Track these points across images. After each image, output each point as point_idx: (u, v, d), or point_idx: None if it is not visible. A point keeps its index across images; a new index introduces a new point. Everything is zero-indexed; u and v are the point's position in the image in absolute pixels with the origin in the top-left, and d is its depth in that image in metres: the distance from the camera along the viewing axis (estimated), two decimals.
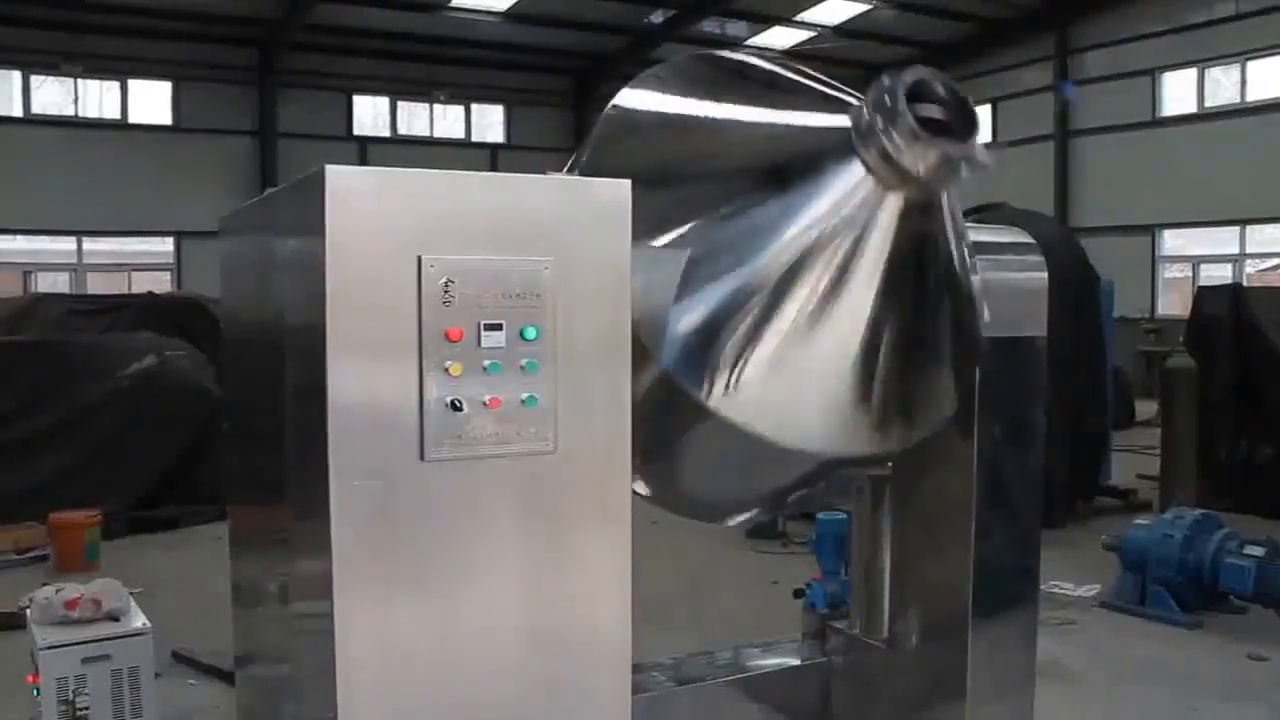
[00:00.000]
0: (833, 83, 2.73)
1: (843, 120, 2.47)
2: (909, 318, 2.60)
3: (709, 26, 23.65)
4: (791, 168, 2.51)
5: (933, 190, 2.48)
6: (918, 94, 2.38)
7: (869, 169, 2.40)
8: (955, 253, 2.68)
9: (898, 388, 2.67)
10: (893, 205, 2.44)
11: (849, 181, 2.43)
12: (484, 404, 2.25)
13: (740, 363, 2.48)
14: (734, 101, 2.75)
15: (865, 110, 2.39)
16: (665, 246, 2.50)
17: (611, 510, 2.41)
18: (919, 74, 2.38)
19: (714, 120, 2.74)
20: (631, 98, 2.85)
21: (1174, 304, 21.21)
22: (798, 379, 2.53)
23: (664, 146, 2.73)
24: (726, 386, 2.49)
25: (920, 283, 2.60)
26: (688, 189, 2.61)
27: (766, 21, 23.32)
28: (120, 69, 22.39)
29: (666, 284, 2.46)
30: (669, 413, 2.56)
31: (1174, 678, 5.92)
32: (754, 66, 2.89)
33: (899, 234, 2.48)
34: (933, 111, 2.39)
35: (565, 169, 2.94)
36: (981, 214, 8.37)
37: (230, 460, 3.69)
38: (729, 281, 2.47)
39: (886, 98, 2.34)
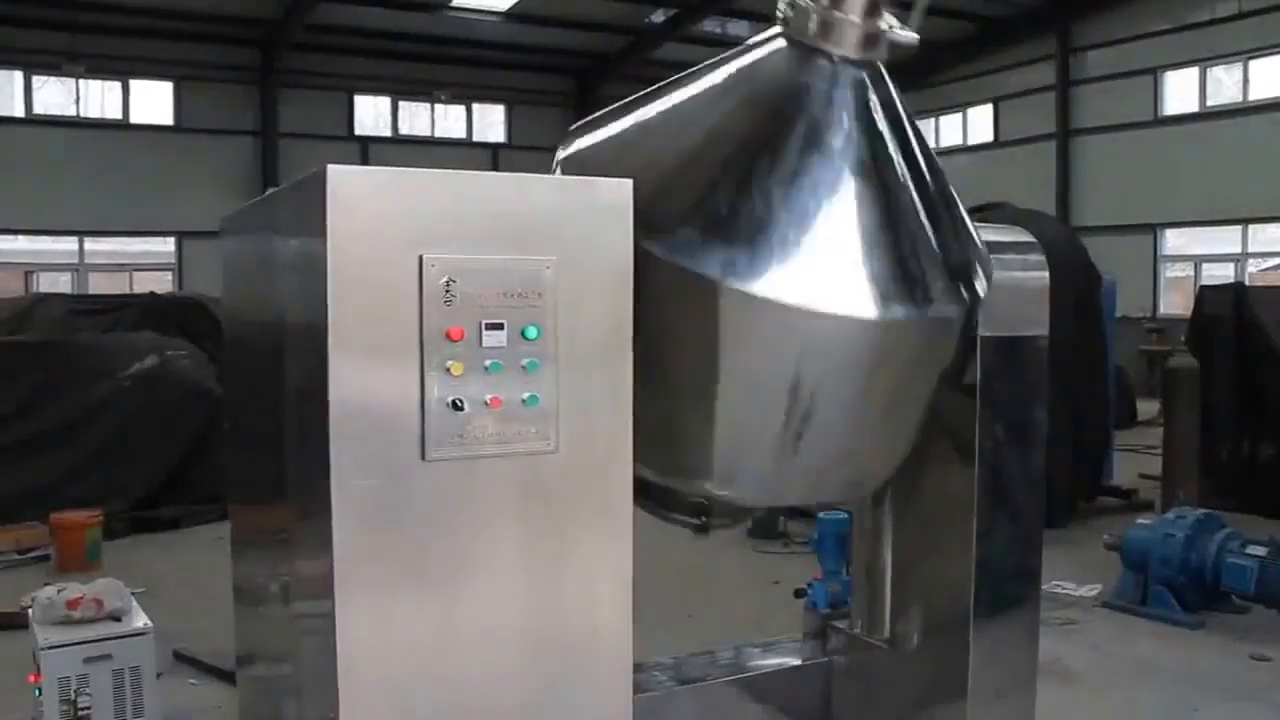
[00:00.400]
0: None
1: (774, 39, 2.77)
2: (893, 179, 2.70)
3: (710, 26, 23.63)
4: (757, 98, 2.71)
5: (872, 52, 2.70)
6: None
7: (815, 49, 2.66)
8: (911, 126, 2.83)
9: (916, 250, 2.69)
10: (849, 75, 2.67)
11: (807, 73, 2.67)
12: (485, 403, 2.25)
13: (776, 245, 2.51)
14: (676, 89, 2.87)
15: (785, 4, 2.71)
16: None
17: (613, 509, 2.41)
18: None
19: (670, 107, 2.82)
20: (580, 141, 2.95)
21: (1176, 304, 21.19)
22: (833, 255, 2.56)
23: (635, 152, 2.77)
24: (767, 271, 2.50)
25: (887, 150, 2.71)
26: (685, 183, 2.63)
27: (768, 21, 23.12)
28: (122, 69, 22.39)
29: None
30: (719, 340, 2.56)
31: (1176, 678, 5.92)
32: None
33: (857, 106, 2.67)
34: None
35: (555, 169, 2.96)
36: (983, 213, 8.38)
37: (231, 460, 3.69)
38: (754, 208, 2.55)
39: None
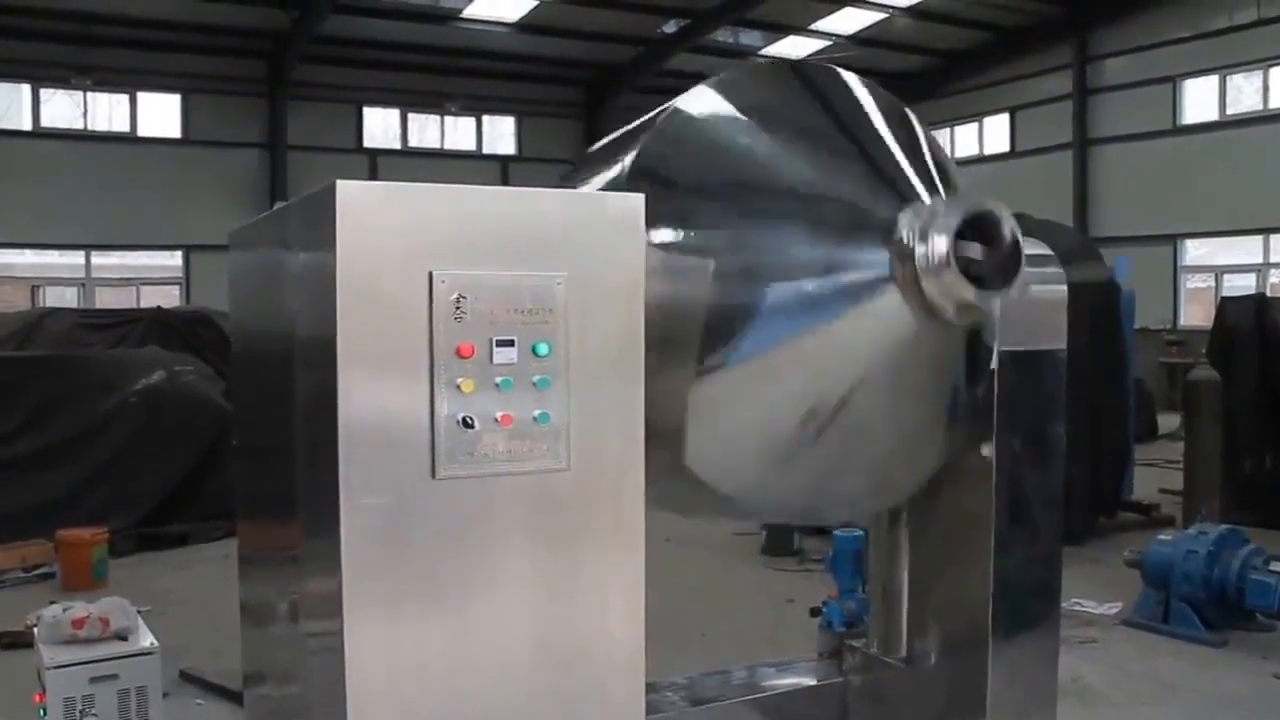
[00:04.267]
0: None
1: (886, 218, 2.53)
2: None
3: (722, 36, 23.62)
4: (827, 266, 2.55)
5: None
6: (964, 230, 2.48)
7: (900, 288, 2.50)
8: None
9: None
10: (917, 329, 2.57)
11: (879, 302, 2.53)
12: (496, 421, 2.23)
13: None
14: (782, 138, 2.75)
15: (907, 240, 2.49)
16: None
17: (625, 528, 2.39)
18: (969, 209, 2.50)
19: (762, 157, 2.73)
20: (697, 102, 2.86)
21: (1196, 315, 21.00)
22: None
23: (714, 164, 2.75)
24: None
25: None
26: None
27: (781, 31, 23.30)
28: (129, 82, 22.42)
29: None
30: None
31: (1198, 697, 5.83)
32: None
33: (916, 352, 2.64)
34: (973, 252, 2.49)
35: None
36: None
37: (239, 476, 3.66)
38: None
39: (934, 238, 2.45)
